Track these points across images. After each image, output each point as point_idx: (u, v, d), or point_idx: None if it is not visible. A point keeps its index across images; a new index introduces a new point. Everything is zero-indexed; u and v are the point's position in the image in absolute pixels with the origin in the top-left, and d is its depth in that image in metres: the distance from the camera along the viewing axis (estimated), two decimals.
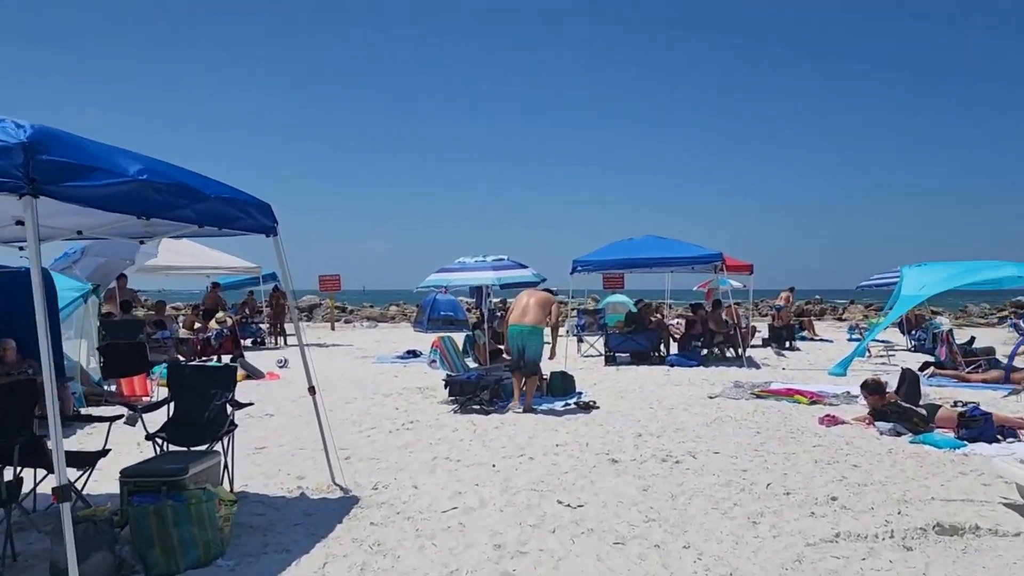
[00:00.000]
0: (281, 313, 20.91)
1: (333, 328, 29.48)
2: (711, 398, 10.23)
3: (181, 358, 14.72)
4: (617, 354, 14.97)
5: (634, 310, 16.11)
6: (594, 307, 24.84)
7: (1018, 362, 13.91)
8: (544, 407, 9.57)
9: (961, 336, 17.03)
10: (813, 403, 9.60)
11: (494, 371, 10.18)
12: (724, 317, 15.53)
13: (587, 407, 9.43)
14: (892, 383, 11.69)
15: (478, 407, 9.32)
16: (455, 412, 9.23)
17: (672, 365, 13.95)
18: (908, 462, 6.47)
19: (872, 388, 8.18)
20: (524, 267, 10.42)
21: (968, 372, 12.32)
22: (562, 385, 10.44)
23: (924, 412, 7.77)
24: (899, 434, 7.56)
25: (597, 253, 14.50)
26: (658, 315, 17.85)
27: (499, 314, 21.08)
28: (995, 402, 9.86)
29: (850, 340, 21.01)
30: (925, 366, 13.10)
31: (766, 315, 29.39)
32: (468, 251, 11.59)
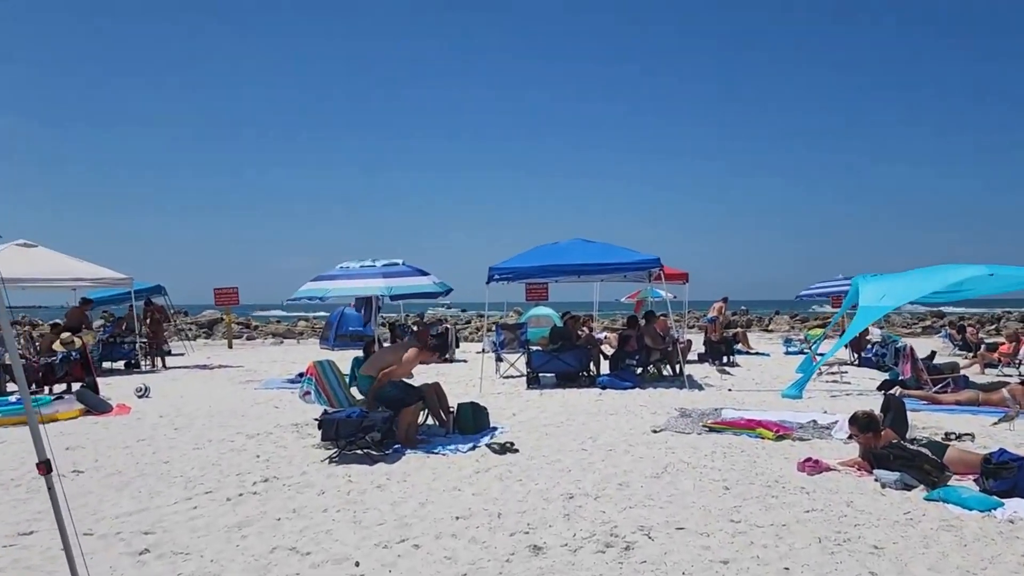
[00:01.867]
0: (158, 331, 18.25)
1: (231, 346, 26.70)
2: (655, 432, 8.34)
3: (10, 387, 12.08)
4: (541, 375, 13.02)
5: (560, 324, 14.22)
6: (516, 321, 22.92)
7: (980, 381, 12.59)
8: (448, 450, 7.50)
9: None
10: (780, 438, 7.81)
11: None
12: (659, 331, 13.77)
13: (503, 449, 7.40)
14: (858, 407, 10.17)
15: (363, 452, 7.19)
16: (331, 461, 7.07)
17: (604, 387, 12.07)
18: (943, 537, 4.66)
19: (865, 424, 6.41)
20: (424, 274, 8.35)
21: (936, 392, 10.83)
22: (472, 420, 8.39)
23: (935, 457, 6.02)
24: (907, 487, 5.78)
25: (517, 259, 12.53)
26: (586, 329, 16.02)
27: (412, 328, 18.92)
28: (986, 430, 8.29)
29: (787, 354, 19.66)
30: (885, 385, 11.58)
31: (693, 327, 28.04)
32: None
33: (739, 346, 20.04)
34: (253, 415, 10.17)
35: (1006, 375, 15.70)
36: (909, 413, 9.13)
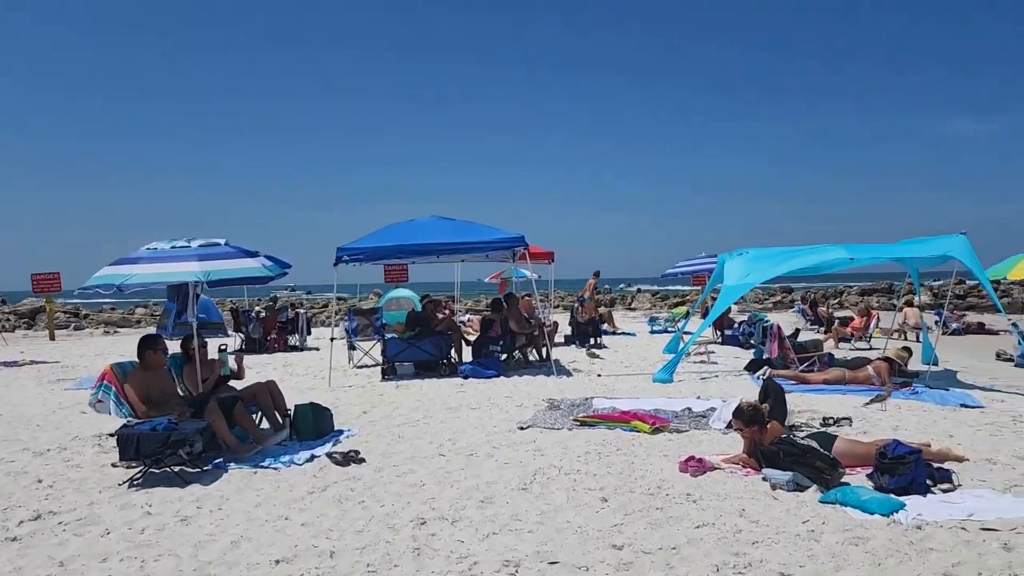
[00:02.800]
0: None
1: (52, 338, 23.91)
2: (522, 429, 7.49)
3: None
4: (398, 364, 11.95)
5: (419, 308, 13.19)
6: (375, 304, 21.65)
7: (837, 356, 12.59)
8: (282, 463, 6.35)
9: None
10: (656, 430, 7.14)
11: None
12: (525, 314, 13.00)
13: (346, 460, 6.32)
14: (730, 390, 9.79)
15: (176, 470, 5.93)
16: (131, 485, 5.77)
17: (466, 376, 11.16)
18: (852, 554, 4.02)
19: (750, 417, 5.78)
20: (251, 255, 7.08)
21: (803, 371, 10.62)
22: (313, 423, 7.24)
23: (825, 452, 5.47)
24: (800, 487, 5.18)
25: (368, 239, 11.37)
26: (448, 312, 15.05)
27: (259, 314, 17.29)
28: (861, 412, 7.98)
29: (652, 333, 19.49)
30: (753, 365, 11.29)
31: (558, 307, 27.67)
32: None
33: (606, 326, 19.69)
34: (51, 424, 8.56)
35: (858, 348, 16.08)
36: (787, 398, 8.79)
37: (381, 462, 6.32)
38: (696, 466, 5.68)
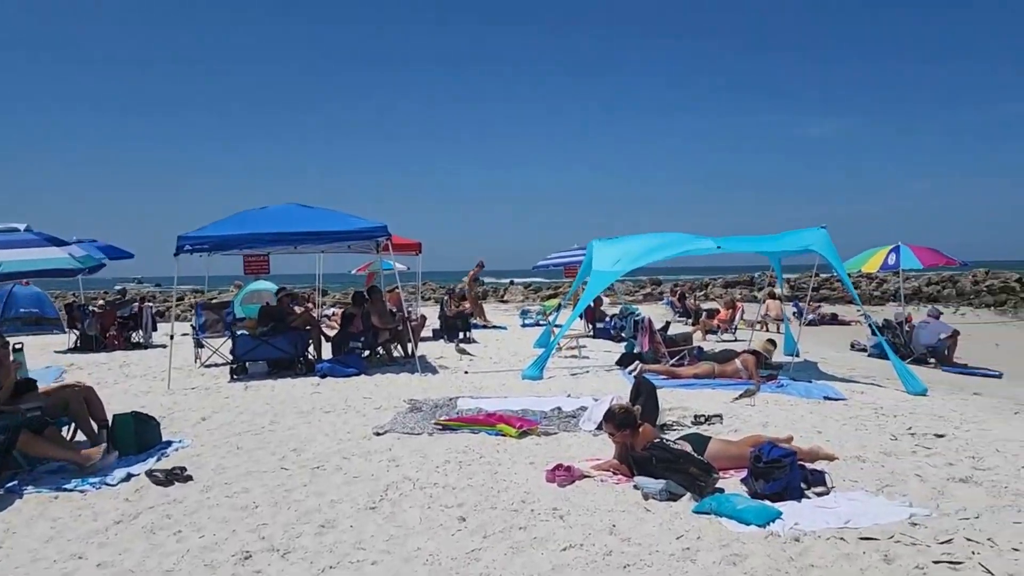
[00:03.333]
0: None
1: None
2: (378, 435, 6.84)
3: None
4: (250, 363, 10.98)
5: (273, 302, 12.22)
6: (235, 296, 20.27)
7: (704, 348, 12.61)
8: (90, 484, 5.43)
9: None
10: (523, 434, 6.66)
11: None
12: (391, 307, 12.29)
13: (169, 478, 5.47)
14: (601, 387, 9.49)
15: None
16: None
17: (324, 375, 10.34)
18: (729, 574, 3.64)
19: (622, 420, 5.37)
20: (59, 243, 6.07)
21: (673, 365, 10.48)
22: (135, 436, 6.30)
23: (700, 456, 5.13)
24: (673, 496, 4.80)
25: (214, 227, 10.33)
26: (311, 305, 14.13)
27: (94, 310, 15.69)
28: (729, 407, 7.81)
29: (524, 326, 19.17)
30: (624, 360, 11.07)
31: (429, 300, 27.03)
32: None
33: (476, 320, 19.22)
34: None
35: (724, 341, 16.33)
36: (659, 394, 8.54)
37: (211, 479, 5.52)
38: (564, 475, 5.22)
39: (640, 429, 5.39)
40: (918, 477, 5.30)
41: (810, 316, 25.11)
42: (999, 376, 12.40)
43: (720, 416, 7.20)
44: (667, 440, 5.29)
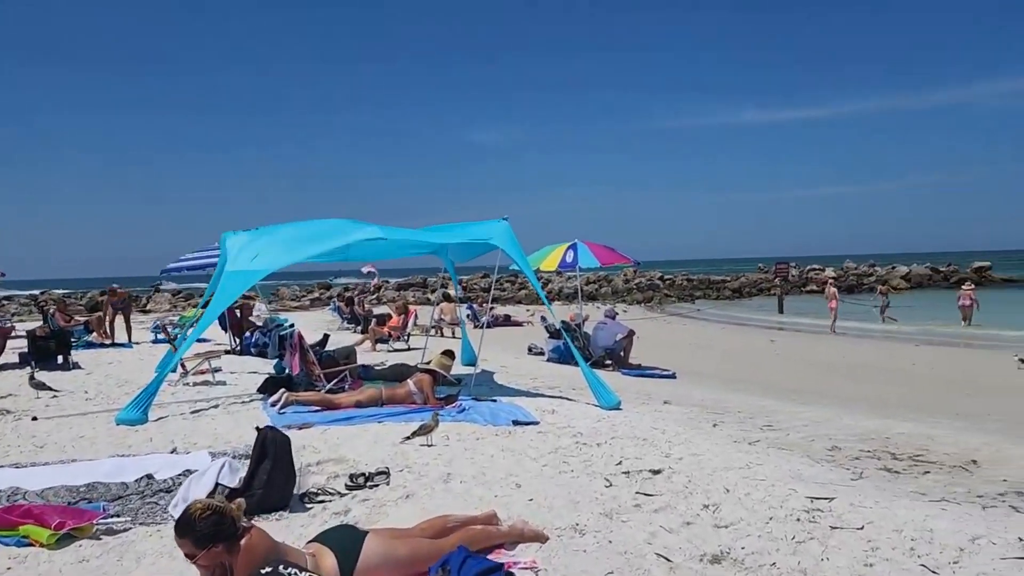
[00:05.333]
0: None
1: None
2: None
3: None
4: None
5: None
6: None
7: (375, 360, 10.67)
8: None
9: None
10: (60, 538, 4.00)
11: None
12: None
13: None
14: (227, 433, 6.96)
15: None
16: None
17: None
18: None
19: (205, 533, 3.01)
20: None
21: (331, 391, 8.30)
22: None
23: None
24: None
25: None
26: None
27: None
28: (400, 451, 5.83)
29: (156, 342, 15.64)
30: (268, 385, 8.61)
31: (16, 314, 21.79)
32: None
33: (92, 336, 15.30)
34: None
35: (397, 350, 14.53)
36: (293, 431, 6.29)
37: None
38: None
39: (243, 541, 3.10)
40: (662, 559, 3.71)
41: (484, 318, 24.50)
42: (673, 376, 12.06)
43: (387, 472, 5.15)
44: (290, 571, 3.04)
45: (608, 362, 12.88)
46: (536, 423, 7.20)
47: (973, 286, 25.75)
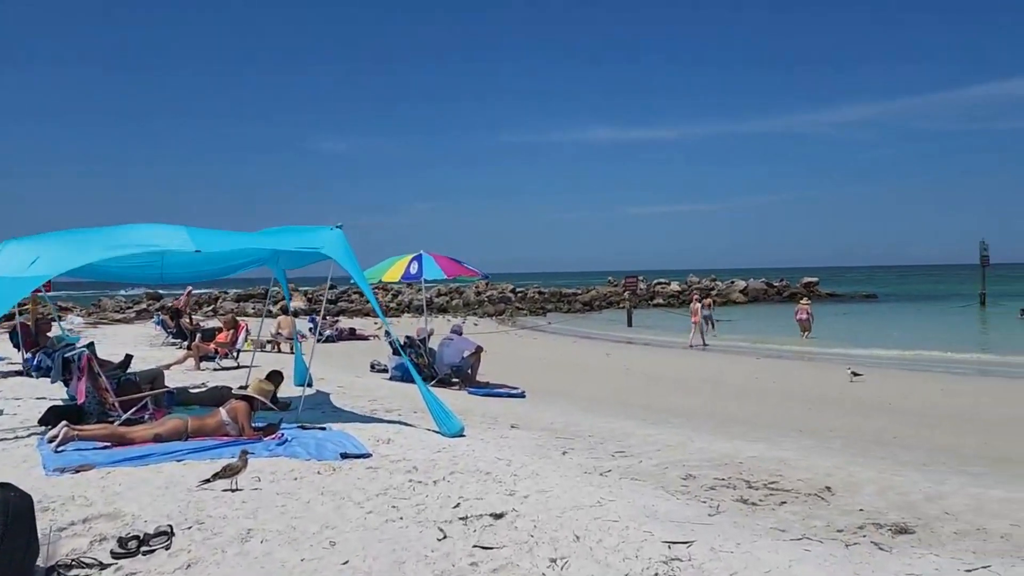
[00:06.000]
0: None
1: None
2: None
3: None
4: None
5: None
6: None
7: (198, 381, 9.49)
8: None
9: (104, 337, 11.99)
10: None
11: None
12: None
13: None
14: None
15: None
16: None
17: None
18: None
19: None
20: None
21: (128, 421, 7.08)
22: None
23: None
24: None
25: None
26: None
27: None
28: (196, 501, 4.84)
29: None
30: (49, 417, 7.25)
31: None
32: None
33: None
34: None
35: (225, 368, 13.21)
36: (68, 475, 5.18)
37: None
38: None
39: None
40: None
41: (327, 332, 23.21)
42: (523, 395, 11.51)
43: (168, 532, 4.16)
44: None
45: (455, 380, 12.18)
46: (368, 455, 6.38)
47: (809, 301, 27.20)
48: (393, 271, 12.09)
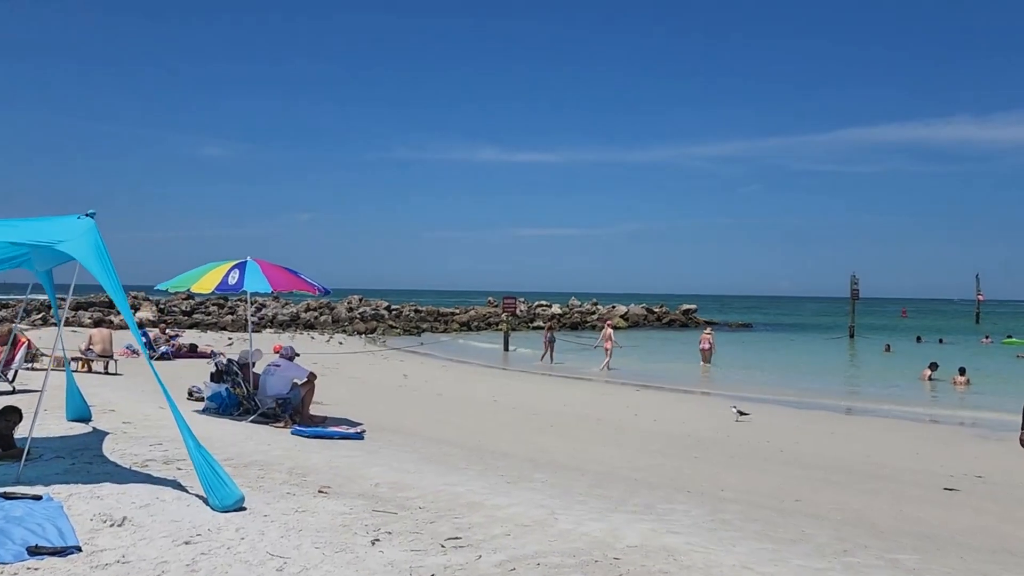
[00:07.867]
0: None
1: None
2: None
3: None
4: None
5: None
6: None
7: None
8: None
9: None
10: None
11: None
12: None
13: None
14: None
15: None
16: None
17: None
18: None
19: None
20: None
21: None
22: None
23: None
24: None
25: None
26: None
27: None
28: None
29: None
30: None
31: None
32: None
33: None
34: None
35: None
36: None
37: None
38: None
39: None
40: None
41: (163, 348, 20.32)
42: (360, 436, 9.42)
43: None
44: None
45: (283, 415, 9.98)
46: (71, 550, 4.25)
47: (712, 331, 26.71)
48: (207, 280, 9.79)
